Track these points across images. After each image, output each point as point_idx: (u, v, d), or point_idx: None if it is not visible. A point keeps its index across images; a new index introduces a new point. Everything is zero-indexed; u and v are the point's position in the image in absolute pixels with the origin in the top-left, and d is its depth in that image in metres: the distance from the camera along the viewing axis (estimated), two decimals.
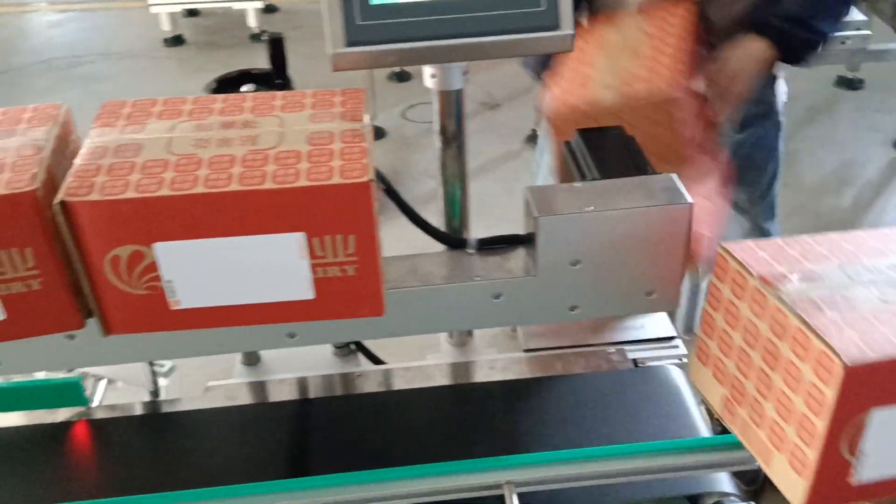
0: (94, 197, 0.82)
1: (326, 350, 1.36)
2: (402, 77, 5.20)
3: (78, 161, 0.87)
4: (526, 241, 1.04)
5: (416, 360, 1.32)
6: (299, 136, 0.90)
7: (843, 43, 3.35)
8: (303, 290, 0.90)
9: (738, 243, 0.91)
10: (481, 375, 1.29)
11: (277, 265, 0.88)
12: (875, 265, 0.90)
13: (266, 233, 0.86)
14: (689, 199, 1.00)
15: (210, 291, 0.89)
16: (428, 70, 1.09)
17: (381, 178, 0.93)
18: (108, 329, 0.91)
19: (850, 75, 4.05)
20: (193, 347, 1.00)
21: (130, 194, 0.82)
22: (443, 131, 1.16)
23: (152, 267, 0.86)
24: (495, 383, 1.27)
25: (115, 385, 1.29)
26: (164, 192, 0.83)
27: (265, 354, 1.36)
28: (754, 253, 0.91)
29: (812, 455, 0.81)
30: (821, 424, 0.80)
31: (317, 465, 1.15)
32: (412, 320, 1.01)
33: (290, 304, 0.91)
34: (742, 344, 0.91)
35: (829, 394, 0.78)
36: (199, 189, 0.83)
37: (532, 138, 4.32)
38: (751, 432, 0.91)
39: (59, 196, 0.82)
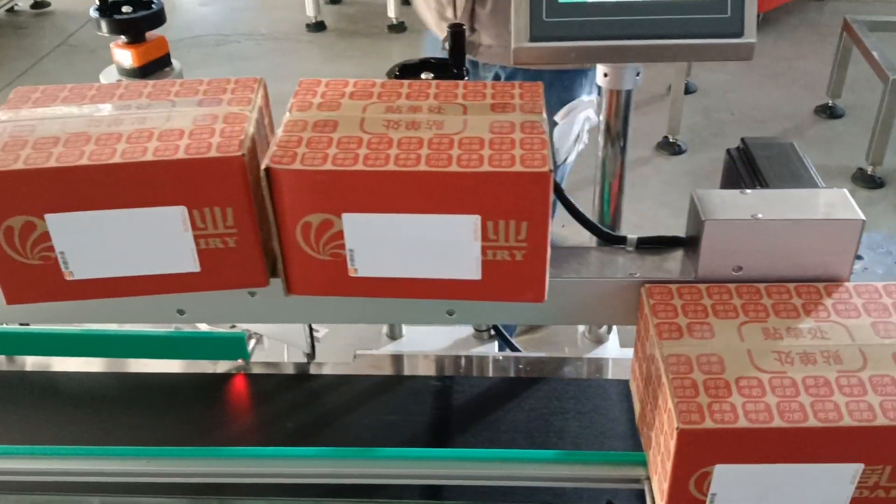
0: (296, 166, 0.89)
1: (468, 331, 1.41)
2: None
3: (280, 132, 0.94)
4: (686, 243, 1.06)
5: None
6: (482, 124, 0.95)
7: None
8: (471, 270, 0.95)
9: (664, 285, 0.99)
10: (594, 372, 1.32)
11: (450, 244, 0.93)
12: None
13: (444, 213, 0.91)
14: (861, 214, 0.99)
15: (385, 263, 0.95)
16: (601, 69, 1.12)
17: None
18: (290, 289, 0.98)
19: None
20: (368, 315, 1.06)
21: (328, 167, 0.89)
22: (607, 129, 1.18)
23: (339, 235, 0.92)
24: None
25: (265, 345, 1.38)
26: (358, 167, 0.89)
27: (408, 330, 1.43)
28: (670, 296, 0.99)
29: (666, 487, 0.92)
30: (669, 466, 0.90)
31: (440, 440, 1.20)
32: (568, 310, 1.04)
33: (458, 282, 0.96)
34: (646, 372, 0.99)
35: (672, 447, 0.88)
36: (391, 167, 0.88)
37: (663, 145, 4.26)
38: (648, 450, 1.00)
39: (265, 163, 0.89)
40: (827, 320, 0.97)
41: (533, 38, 1.03)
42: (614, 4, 1.00)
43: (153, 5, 1.44)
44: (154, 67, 1.41)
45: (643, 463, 1.02)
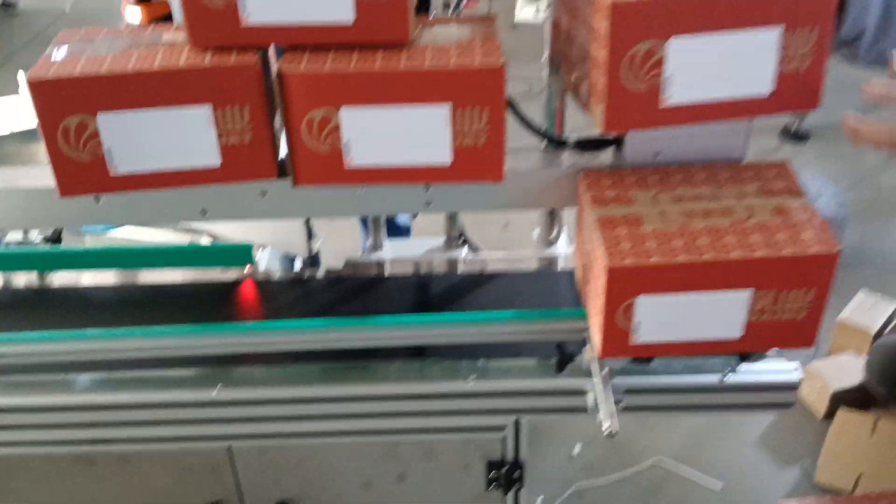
0: (303, 68, 1.12)
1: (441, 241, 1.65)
2: None
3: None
4: (616, 140, 1.30)
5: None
6: (448, 36, 1.19)
7: None
8: (444, 154, 1.18)
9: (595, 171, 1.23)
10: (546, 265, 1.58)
11: (427, 132, 1.16)
12: None
13: (422, 103, 1.14)
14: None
15: (378, 152, 1.18)
16: (543, 1, 1.35)
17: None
18: (296, 180, 1.21)
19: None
20: (360, 207, 1.29)
21: (328, 68, 1.12)
22: (551, 59, 1.42)
23: (336, 129, 1.16)
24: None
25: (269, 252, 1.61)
26: (352, 69, 1.12)
27: (389, 243, 1.67)
28: (600, 178, 1.24)
29: (601, 320, 1.15)
30: (602, 302, 1.13)
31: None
32: (523, 195, 1.29)
33: (434, 167, 1.20)
34: (584, 238, 1.24)
35: (604, 284, 1.11)
36: (377, 67, 1.12)
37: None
38: (587, 302, 1.23)
39: (276, 67, 1.12)
40: (723, 187, 1.22)
41: None
42: None
43: None
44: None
45: (584, 317, 1.27)
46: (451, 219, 1.61)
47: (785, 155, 3.53)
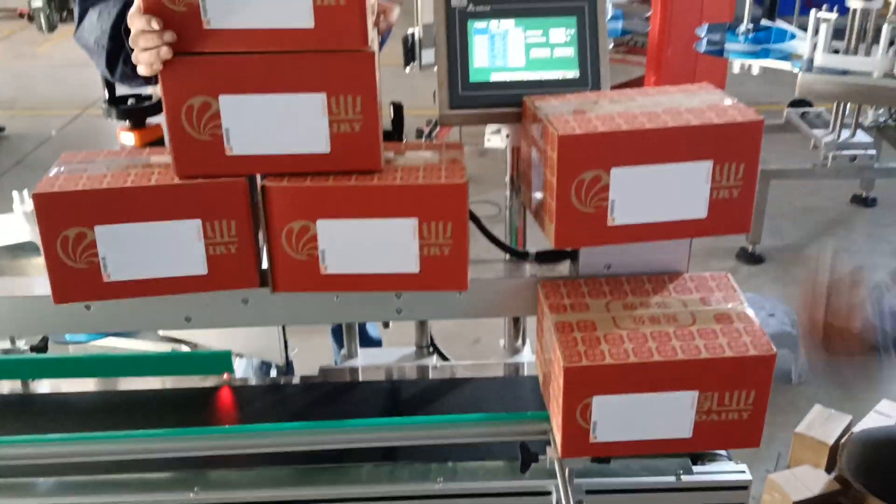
0: (284, 183, 1.24)
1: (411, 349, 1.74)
2: None
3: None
4: (571, 254, 1.43)
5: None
6: (416, 161, 1.32)
7: (852, 160, 3.76)
8: (411, 264, 1.29)
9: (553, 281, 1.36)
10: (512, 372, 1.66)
11: (395, 243, 1.27)
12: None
13: (390, 217, 1.26)
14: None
15: (352, 261, 1.29)
16: (504, 130, 1.51)
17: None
18: (276, 287, 1.31)
19: (863, 193, 4.44)
20: (328, 315, 1.39)
21: (307, 184, 1.24)
22: (512, 182, 1.56)
23: (314, 239, 1.27)
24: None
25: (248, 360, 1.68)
26: (329, 183, 1.24)
27: (362, 351, 1.75)
28: (558, 287, 1.36)
29: (560, 420, 1.23)
30: (561, 401, 1.21)
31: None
32: (487, 304, 1.39)
33: (402, 275, 1.30)
34: (544, 344, 1.34)
35: (562, 384, 1.19)
36: (353, 182, 1.24)
37: None
38: (548, 404, 1.32)
39: (260, 183, 1.24)
40: (669, 296, 1.34)
41: (452, 106, 1.43)
42: (508, 83, 1.41)
43: (151, 98, 1.81)
44: None
45: (547, 418, 1.35)
46: (421, 329, 1.71)
47: (741, 276, 3.71)
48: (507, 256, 1.49)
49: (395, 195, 1.24)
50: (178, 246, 1.27)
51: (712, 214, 1.28)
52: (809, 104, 4.27)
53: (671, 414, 1.26)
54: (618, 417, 1.25)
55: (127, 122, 1.69)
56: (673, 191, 1.25)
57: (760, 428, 1.28)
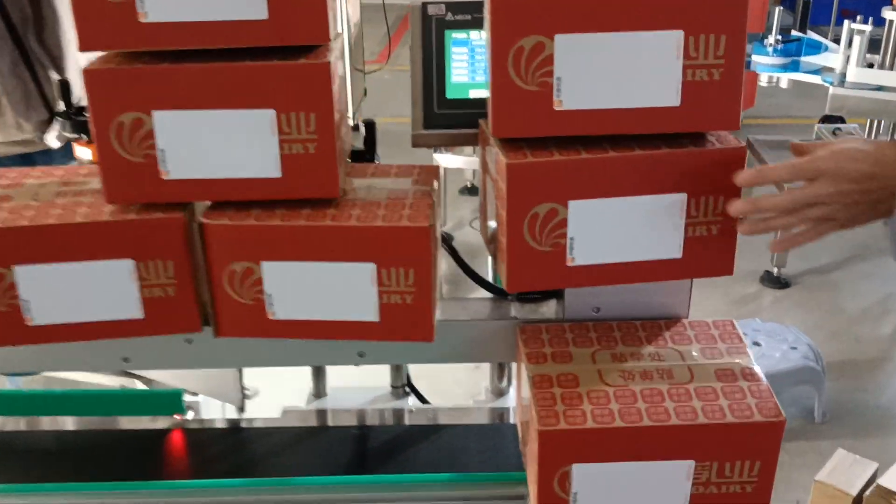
0: (225, 221, 1.09)
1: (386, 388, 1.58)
2: (473, 191, 5.51)
3: None
4: (557, 292, 1.27)
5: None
6: (381, 194, 1.17)
7: None
8: (369, 312, 1.14)
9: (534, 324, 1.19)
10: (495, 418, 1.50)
11: (352, 289, 1.12)
12: None
13: (346, 261, 1.11)
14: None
15: (302, 307, 1.14)
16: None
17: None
18: (218, 332, 1.16)
19: None
20: (289, 358, 1.24)
21: (251, 222, 1.09)
22: None
23: (258, 282, 1.12)
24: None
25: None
26: (276, 222, 1.09)
27: (332, 389, 1.60)
28: (539, 332, 1.20)
29: (535, 489, 1.08)
30: (536, 467, 1.05)
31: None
32: (459, 348, 1.23)
33: (360, 323, 1.15)
34: (522, 397, 1.18)
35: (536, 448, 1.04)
36: (302, 222, 1.09)
37: None
38: (526, 465, 1.15)
39: (199, 219, 1.10)
40: (664, 347, 1.17)
41: (427, 126, 1.28)
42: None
43: None
44: None
45: (525, 480, 1.19)
46: (397, 369, 1.56)
47: (765, 301, 3.51)
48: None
49: (349, 237, 1.09)
50: (110, 288, 1.12)
51: (688, 254, 1.11)
52: (842, 120, 4.06)
53: (664, 486, 1.09)
54: (602, 488, 1.09)
55: (83, 136, 1.56)
56: (642, 227, 1.09)
57: (767, 501, 1.11)
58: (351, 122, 1.74)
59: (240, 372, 1.49)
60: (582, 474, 1.07)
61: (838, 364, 3.05)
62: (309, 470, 1.32)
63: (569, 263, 1.10)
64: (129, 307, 1.14)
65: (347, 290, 1.12)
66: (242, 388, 1.49)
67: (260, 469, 1.35)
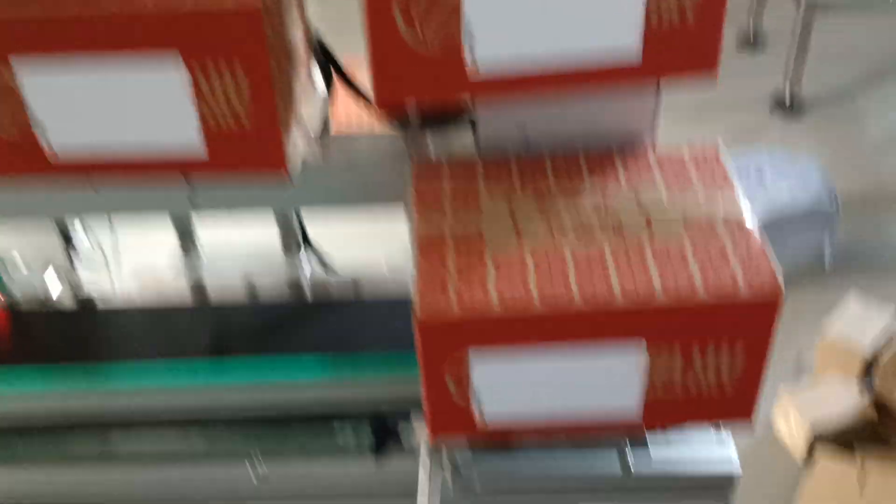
0: None
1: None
2: None
3: None
4: None
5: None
6: None
7: None
8: (193, 139, 0.77)
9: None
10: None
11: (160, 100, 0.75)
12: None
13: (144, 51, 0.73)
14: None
15: (91, 134, 0.77)
16: None
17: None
18: None
19: None
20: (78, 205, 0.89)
21: None
22: None
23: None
24: None
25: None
26: None
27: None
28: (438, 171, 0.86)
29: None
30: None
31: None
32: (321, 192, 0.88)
33: (186, 155, 0.78)
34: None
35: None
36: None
37: None
38: None
39: None
40: (616, 186, 0.81)
41: None
42: None
43: None
44: None
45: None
46: (285, 219, 1.20)
47: (773, 132, 3.08)
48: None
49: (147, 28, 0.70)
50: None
51: (650, 46, 0.73)
52: None
53: (609, 385, 0.76)
54: (515, 386, 0.76)
55: None
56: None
57: (752, 402, 0.79)
58: None
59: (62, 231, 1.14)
60: (486, 371, 0.75)
61: (855, 202, 2.67)
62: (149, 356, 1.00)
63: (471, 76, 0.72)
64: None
65: (158, 105, 0.74)
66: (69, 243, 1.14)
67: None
